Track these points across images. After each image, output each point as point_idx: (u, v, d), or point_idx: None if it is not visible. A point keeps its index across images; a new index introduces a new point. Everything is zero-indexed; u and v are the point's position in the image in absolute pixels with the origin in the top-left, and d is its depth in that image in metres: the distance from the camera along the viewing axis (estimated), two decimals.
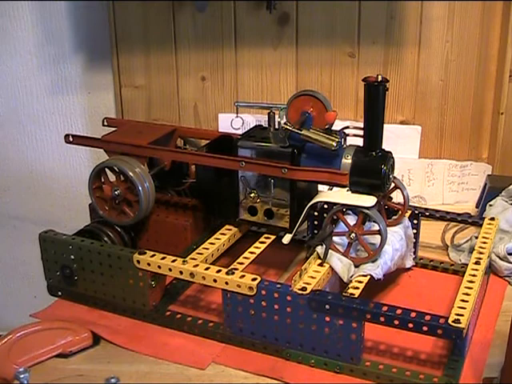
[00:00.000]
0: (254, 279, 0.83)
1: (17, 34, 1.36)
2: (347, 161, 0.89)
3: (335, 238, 0.91)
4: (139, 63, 1.33)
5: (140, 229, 1.06)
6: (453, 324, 0.74)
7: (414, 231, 1.02)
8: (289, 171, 0.90)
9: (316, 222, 1.06)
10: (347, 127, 0.93)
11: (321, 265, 0.88)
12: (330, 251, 0.89)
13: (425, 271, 1.05)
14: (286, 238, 0.95)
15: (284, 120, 0.93)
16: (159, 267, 0.89)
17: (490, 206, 1.17)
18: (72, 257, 0.96)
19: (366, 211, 0.87)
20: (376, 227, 0.88)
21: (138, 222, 1.01)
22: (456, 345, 0.82)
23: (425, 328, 0.75)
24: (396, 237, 0.94)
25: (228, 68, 1.31)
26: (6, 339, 0.86)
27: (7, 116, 1.43)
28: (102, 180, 1.00)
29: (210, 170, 0.98)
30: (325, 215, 0.93)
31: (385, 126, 0.89)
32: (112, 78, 1.36)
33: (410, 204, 1.00)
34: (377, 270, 0.87)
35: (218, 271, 0.85)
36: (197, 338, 0.89)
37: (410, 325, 0.76)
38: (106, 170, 1.00)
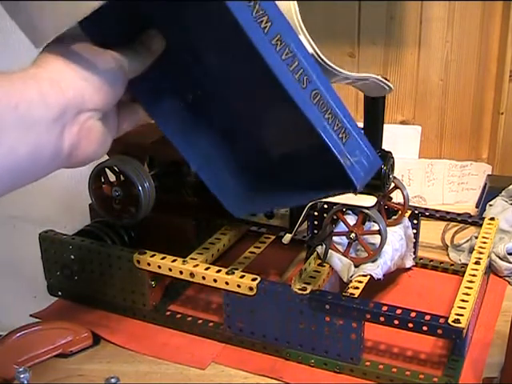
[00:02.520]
0: (254, 279, 0.83)
1: (17, 34, 1.36)
2: None
3: (335, 238, 0.91)
4: None
5: (140, 229, 1.06)
6: (453, 324, 0.74)
7: (414, 231, 1.02)
8: None
9: (316, 222, 1.06)
10: None
11: (321, 265, 0.88)
12: (330, 251, 0.89)
13: (425, 271, 1.05)
14: (286, 238, 0.94)
15: None
16: (159, 267, 0.89)
17: (490, 205, 1.17)
18: (72, 257, 0.96)
19: (366, 211, 0.87)
20: (376, 227, 0.88)
21: (138, 221, 1.01)
22: (456, 345, 0.82)
23: (425, 328, 0.75)
24: (396, 237, 0.94)
25: None
26: (6, 339, 0.86)
27: None
28: (102, 180, 1.00)
29: None
30: (325, 215, 0.93)
31: (385, 126, 0.89)
32: None
33: (410, 204, 1.00)
34: (377, 269, 0.87)
35: (218, 271, 0.85)
36: (197, 337, 0.89)
37: (410, 325, 0.76)
38: (106, 169, 1.00)
